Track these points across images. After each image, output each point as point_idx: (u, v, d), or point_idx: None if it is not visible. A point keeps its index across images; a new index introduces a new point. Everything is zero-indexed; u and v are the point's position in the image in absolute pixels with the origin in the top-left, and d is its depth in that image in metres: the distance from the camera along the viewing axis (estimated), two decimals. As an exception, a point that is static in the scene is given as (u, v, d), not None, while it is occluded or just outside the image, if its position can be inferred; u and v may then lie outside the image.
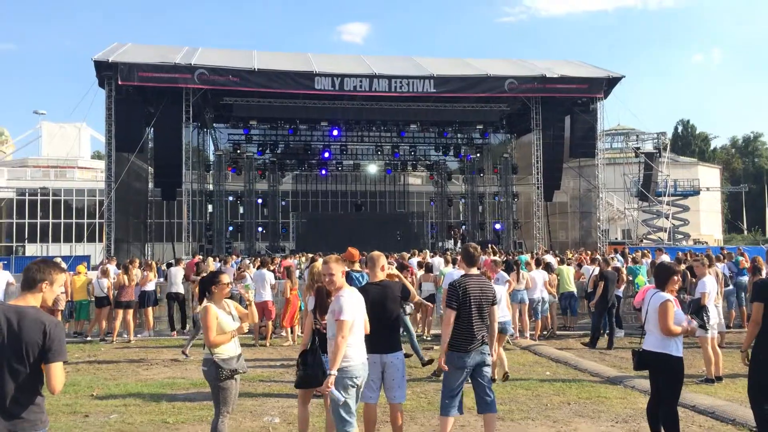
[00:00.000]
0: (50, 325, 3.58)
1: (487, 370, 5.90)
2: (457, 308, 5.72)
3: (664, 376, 5.83)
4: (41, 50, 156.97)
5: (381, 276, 6.06)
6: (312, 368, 5.45)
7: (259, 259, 17.17)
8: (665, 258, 17.41)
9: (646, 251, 20.48)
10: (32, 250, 42.57)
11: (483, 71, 29.55)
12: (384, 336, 5.72)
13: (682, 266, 11.71)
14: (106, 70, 26.57)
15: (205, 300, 5.74)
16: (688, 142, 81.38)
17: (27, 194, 44.99)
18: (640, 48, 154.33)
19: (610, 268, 13.28)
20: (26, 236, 45.07)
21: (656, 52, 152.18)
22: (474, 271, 6.03)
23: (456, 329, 5.73)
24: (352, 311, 5.08)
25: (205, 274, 14.51)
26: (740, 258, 15.69)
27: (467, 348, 5.70)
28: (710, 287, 9.35)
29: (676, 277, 6.12)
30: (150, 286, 14.61)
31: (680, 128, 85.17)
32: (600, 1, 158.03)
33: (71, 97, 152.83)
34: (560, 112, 31.03)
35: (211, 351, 5.52)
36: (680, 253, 18.76)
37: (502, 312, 9.59)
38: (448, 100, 30.64)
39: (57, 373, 3.57)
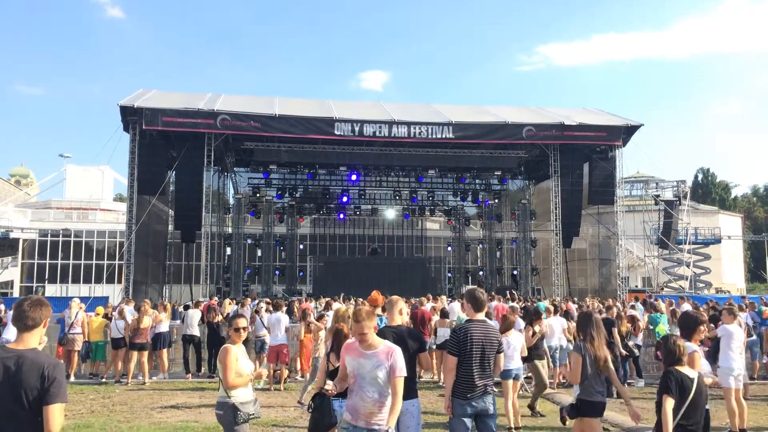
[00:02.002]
0: (48, 367, 3.52)
1: (491, 422, 5.77)
2: (458, 355, 5.65)
3: None
4: (68, 96, 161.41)
5: (398, 320, 6.01)
6: (319, 411, 5.43)
7: (273, 301, 17.18)
8: (687, 306, 17.13)
9: (671, 300, 20.13)
10: (52, 290, 42.94)
11: (501, 118, 29.78)
12: None
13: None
14: (131, 115, 27.17)
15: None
16: (708, 191, 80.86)
17: (49, 235, 45.63)
18: (659, 97, 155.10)
19: (610, 316, 13.21)
20: (47, 276, 45.54)
21: (675, 100, 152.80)
22: (480, 316, 5.92)
23: (457, 376, 5.66)
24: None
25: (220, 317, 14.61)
26: (764, 308, 15.42)
27: (466, 396, 5.61)
28: (737, 334, 9.22)
29: (702, 327, 5.98)
30: (163, 328, 14.61)
31: (700, 176, 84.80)
32: (617, 51, 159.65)
33: (96, 141, 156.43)
34: (579, 159, 31.04)
35: (228, 394, 5.50)
36: (711, 302, 18.45)
37: (516, 360, 9.49)
38: (466, 146, 30.80)
39: (55, 415, 3.48)
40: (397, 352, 4.88)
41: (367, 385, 4.78)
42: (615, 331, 12.69)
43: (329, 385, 4.99)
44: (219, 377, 5.68)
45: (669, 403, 5.06)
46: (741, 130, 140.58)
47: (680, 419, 5.09)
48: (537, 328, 10.83)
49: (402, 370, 4.79)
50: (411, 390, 5.72)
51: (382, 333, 5.74)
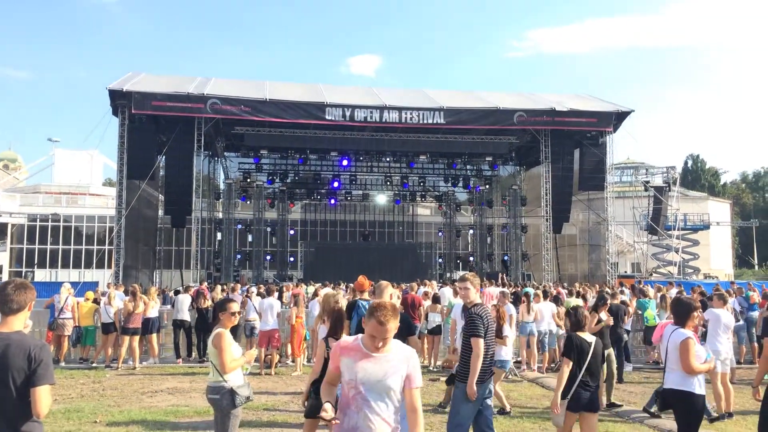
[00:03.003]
0: (35, 348, 3.51)
1: (490, 402, 5.84)
2: (485, 337, 5.67)
3: (684, 413, 5.64)
4: (56, 79, 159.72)
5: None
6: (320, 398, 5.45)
7: (264, 286, 17.17)
8: (674, 291, 17.22)
9: (660, 286, 20.21)
10: (41, 275, 42.70)
11: (493, 104, 29.76)
12: None
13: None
14: (120, 99, 26.96)
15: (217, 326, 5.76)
16: (697, 177, 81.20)
17: (38, 220, 45.31)
18: (650, 83, 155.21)
19: (617, 302, 13.18)
20: (36, 262, 45.27)
21: (666, 87, 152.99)
22: (479, 300, 6.00)
23: None
24: None
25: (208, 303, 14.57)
26: (751, 293, 15.54)
27: (483, 378, 5.64)
28: (724, 319, 9.30)
29: (696, 313, 5.98)
30: (153, 313, 14.57)
31: (690, 163, 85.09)
32: (608, 37, 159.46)
33: (85, 125, 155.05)
34: (569, 145, 31.10)
35: (224, 378, 5.49)
36: (699, 287, 18.53)
37: (506, 348, 9.53)
38: (457, 131, 30.80)
39: (42, 396, 3.47)
40: (416, 356, 3.85)
41: (376, 398, 3.62)
42: (626, 317, 12.85)
43: (329, 412, 3.63)
44: (212, 362, 5.64)
45: (567, 364, 5.98)
46: (731, 117, 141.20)
47: (582, 376, 5.95)
48: (603, 316, 10.14)
49: (421, 380, 3.80)
50: None
51: None
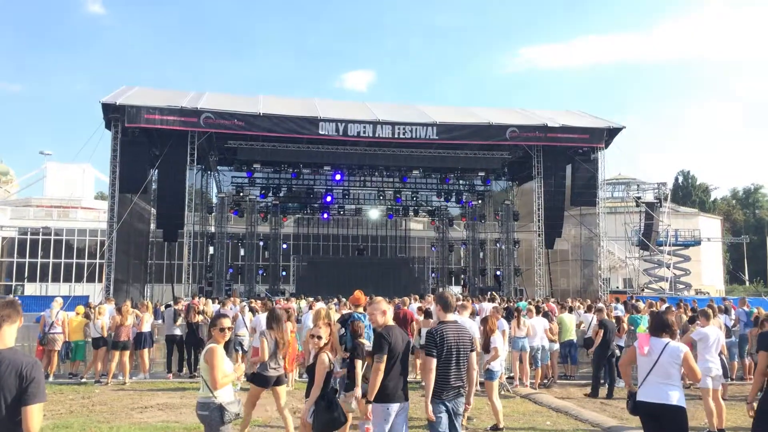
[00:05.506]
0: (26, 366, 3.48)
1: (458, 420, 5.84)
2: (437, 356, 5.68)
3: (677, 429, 5.55)
4: (49, 92, 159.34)
5: (390, 321, 6.06)
6: (337, 410, 5.58)
7: (258, 301, 17.12)
8: (663, 308, 17.26)
9: (651, 301, 20.26)
10: (31, 289, 42.40)
11: (485, 119, 29.90)
12: (402, 383, 5.70)
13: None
14: (113, 113, 26.93)
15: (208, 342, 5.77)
16: (688, 193, 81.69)
17: (29, 233, 45.06)
18: (640, 99, 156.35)
19: (606, 317, 13.23)
20: (26, 275, 44.95)
21: (656, 103, 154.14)
22: (450, 317, 5.97)
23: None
24: None
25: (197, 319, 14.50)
26: (755, 309, 15.60)
27: (441, 396, 5.65)
28: (713, 336, 9.32)
29: (675, 328, 6.05)
30: (146, 328, 14.49)
31: (680, 179, 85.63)
32: (600, 54, 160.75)
33: (77, 139, 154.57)
34: (561, 161, 31.27)
35: (213, 394, 5.48)
36: (693, 302, 18.61)
37: (498, 360, 9.63)
38: (450, 147, 30.92)
39: (33, 415, 3.43)
40: None
41: None
42: (619, 333, 12.95)
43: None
44: (203, 377, 5.64)
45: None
46: (721, 134, 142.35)
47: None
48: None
49: None
50: (407, 390, 5.78)
51: (392, 332, 5.76)
